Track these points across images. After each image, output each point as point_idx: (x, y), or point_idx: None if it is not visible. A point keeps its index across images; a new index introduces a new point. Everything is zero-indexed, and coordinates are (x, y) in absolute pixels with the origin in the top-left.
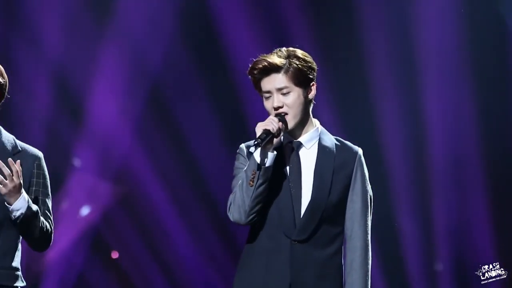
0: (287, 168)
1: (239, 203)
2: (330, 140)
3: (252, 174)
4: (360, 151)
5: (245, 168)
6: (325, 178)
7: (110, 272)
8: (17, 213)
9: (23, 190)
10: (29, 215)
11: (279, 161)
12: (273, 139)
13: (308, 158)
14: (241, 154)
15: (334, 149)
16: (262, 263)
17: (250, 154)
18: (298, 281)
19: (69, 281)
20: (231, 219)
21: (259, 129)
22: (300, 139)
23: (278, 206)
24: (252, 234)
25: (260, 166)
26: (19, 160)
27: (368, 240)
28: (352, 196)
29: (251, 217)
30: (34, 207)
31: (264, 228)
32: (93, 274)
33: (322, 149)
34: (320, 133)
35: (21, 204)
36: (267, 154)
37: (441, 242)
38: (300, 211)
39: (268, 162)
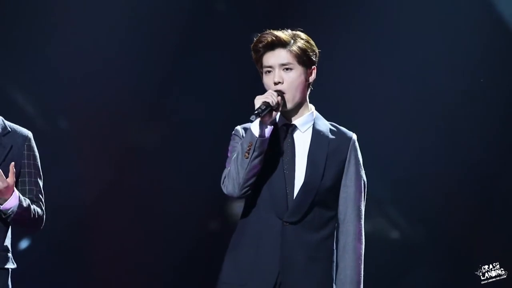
0: (281, 150)
1: (233, 176)
2: (324, 125)
3: (248, 146)
4: (354, 136)
5: (241, 142)
6: (318, 162)
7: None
8: (8, 212)
9: (14, 189)
10: (20, 212)
11: (273, 143)
12: (272, 112)
13: (302, 141)
14: (237, 135)
15: (329, 134)
16: (253, 244)
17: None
18: (289, 262)
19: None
20: (225, 192)
21: (258, 101)
22: (294, 122)
23: (271, 187)
24: (244, 214)
25: (256, 138)
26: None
27: (361, 225)
28: (345, 181)
29: (244, 190)
30: (25, 202)
31: (256, 209)
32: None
33: (316, 133)
34: (315, 118)
35: (11, 203)
36: (264, 126)
37: (440, 241)
38: (292, 193)
39: (266, 134)
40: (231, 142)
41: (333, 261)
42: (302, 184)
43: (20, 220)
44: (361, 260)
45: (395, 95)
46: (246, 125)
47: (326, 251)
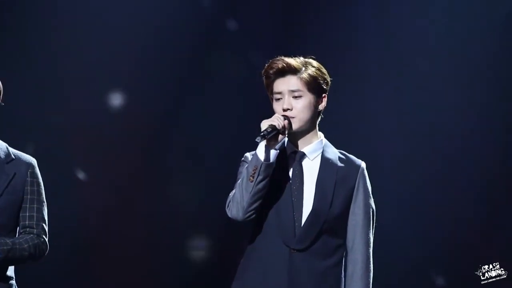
0: (290, 177)
1: (237, 200)
2: (333, 153)
3: (253, 170)
4: (363, 164)
5: (246, 165)
6: (327, 190)
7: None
8: None
9: None
10: (10, 257)
11: (282, 170)
12: (278, 136)
13: (310, 169)
14: (246, 161)
15: (337, 162)
16: (260, 270)
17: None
18: None
19: None
20: (229, 215)
21: (264, 124)
22: (303, 150)
23: (278, 214)
24: (252, 241)
25: (262, 162)
26: None
27: (369, 253)
28: (354, 209)
29: (248, 213)
30: (8, 244)
31: (264, 236)
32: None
33: (325, 161)
34: (324, 146)
35: None
36: (270, 150)
37: (440, 242)
38: (300, 221)
39: (271, 158)
40: (239, 168)
41: None
42: (310, 212)
43: (15, 262)
44: None
45: (403, 108)
46: (253, 152)
47: (334, 279)
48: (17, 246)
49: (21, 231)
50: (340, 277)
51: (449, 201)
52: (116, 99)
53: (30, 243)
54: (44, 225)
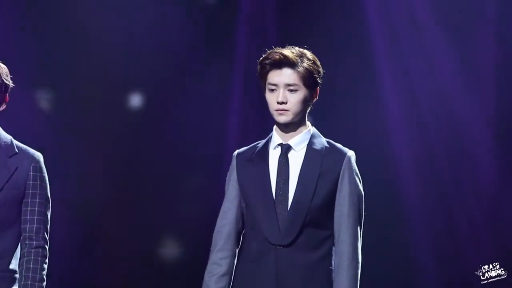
0: (276, 171)
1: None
2: (320, 143)
3: None
4: (349, 153)
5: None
6: (309, 182)
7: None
8: None
9: None
10: None
11: (268, 164)
12: None
13: (296, 161)
14: (232, 167)
15: (323, 152)
16: (251, 271)
17: (240, 162)
18: (284, 286)
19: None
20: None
21: None
22: (290, 142)
23: (263, 211)
24: (244, 239)
25: None
26: None
27: (356, 243)
28: (339, 199)
29: None
30: None
31: (254, 233)
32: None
33: (310, 152)
34: (311, 136)
35: None
36: None
37: (440, 241)
38: (285, 215)
39: None
40: (227, 176)
41: (332, 281)
42: (291, 206)
43: None
44: (356, 280)
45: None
46: (242, 150)
47: (323, 272)
48: (29, 282)
49: (22, 227)
50: (330, 269)
51: (449, 201)
52: (118, 97)
53: (39, 266)
54: (44, 222)
